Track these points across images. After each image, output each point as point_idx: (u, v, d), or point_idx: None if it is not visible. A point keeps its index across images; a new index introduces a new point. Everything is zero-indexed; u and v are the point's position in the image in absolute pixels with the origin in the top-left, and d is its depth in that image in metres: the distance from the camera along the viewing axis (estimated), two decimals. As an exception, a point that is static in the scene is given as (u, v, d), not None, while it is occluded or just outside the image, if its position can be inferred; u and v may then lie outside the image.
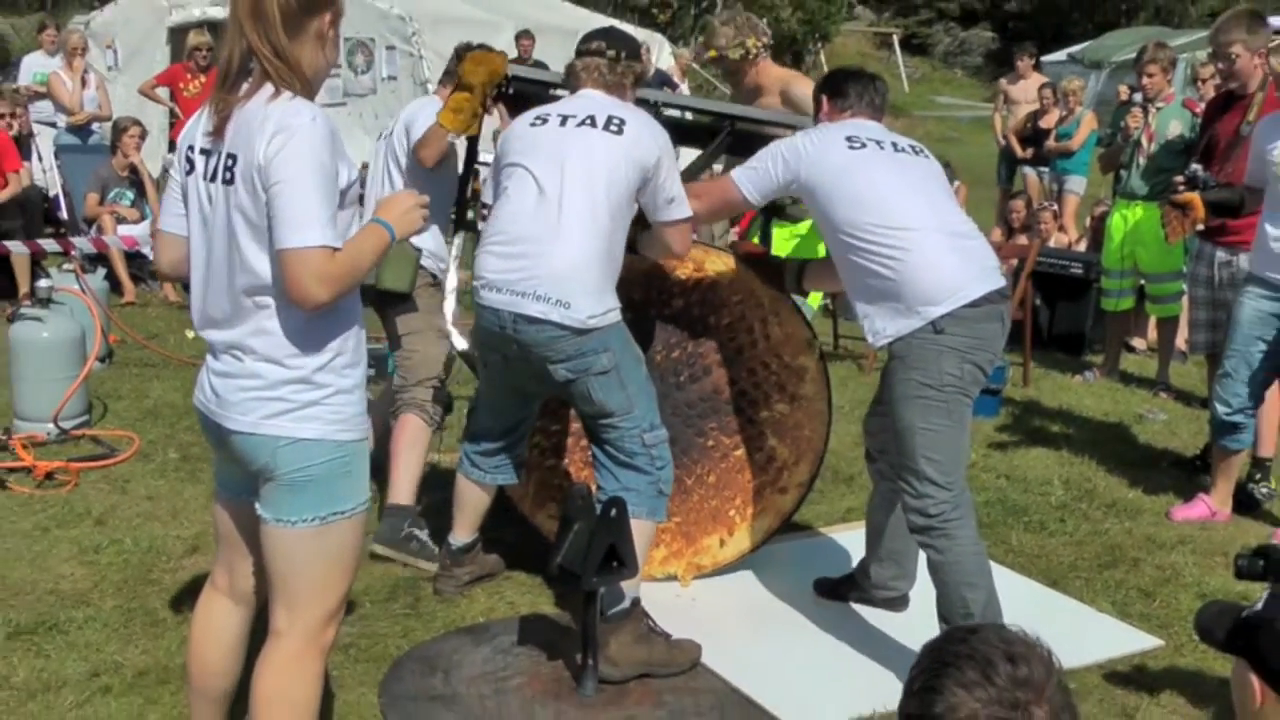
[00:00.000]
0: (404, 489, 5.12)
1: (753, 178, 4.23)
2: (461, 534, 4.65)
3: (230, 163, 2.87)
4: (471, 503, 4.60)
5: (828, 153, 4.11)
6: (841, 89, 4.38)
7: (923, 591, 4.75)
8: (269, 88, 2.87)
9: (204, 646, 3.32)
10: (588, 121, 4.14)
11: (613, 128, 4.12)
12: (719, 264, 4.77)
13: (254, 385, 2.92)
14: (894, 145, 4.19)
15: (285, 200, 2.78)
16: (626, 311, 4.64)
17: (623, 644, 4.05)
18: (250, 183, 2.82)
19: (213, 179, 2.92)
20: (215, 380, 2.99)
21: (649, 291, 4.80)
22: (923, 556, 4.22)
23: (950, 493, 3.96)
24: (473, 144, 5.24)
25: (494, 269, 4.11)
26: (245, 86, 2.89)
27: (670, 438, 4.49)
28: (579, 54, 4.38)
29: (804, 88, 5.78)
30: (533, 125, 4.24)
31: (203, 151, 2.95)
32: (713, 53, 5.77)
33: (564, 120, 4.18)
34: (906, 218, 3.97)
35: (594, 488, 4.23)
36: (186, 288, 3.14)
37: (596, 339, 4.03)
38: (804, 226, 6.02)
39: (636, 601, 4.14)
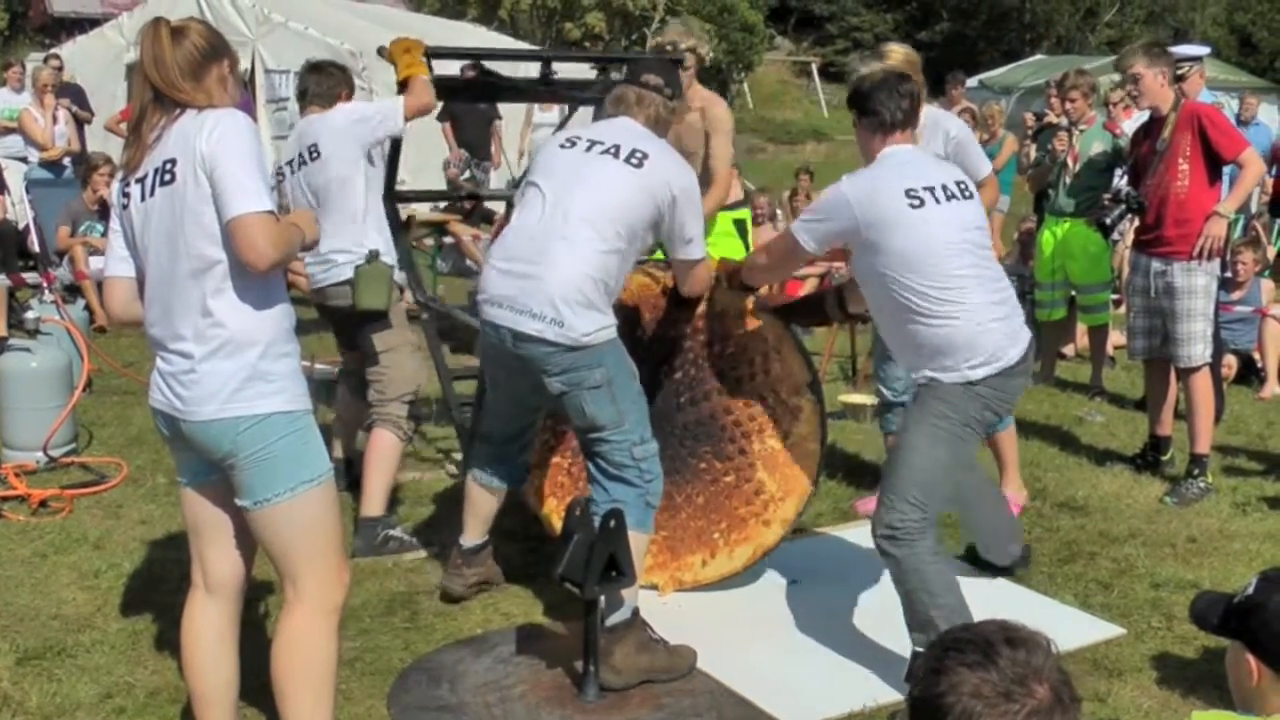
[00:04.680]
0: (375, 501, 5.34)
1: (813, 230, 4.20)
2: (472, 536, 4.79)
3: (170, 165, 3.16)
4: (480, 506, 4.75)
5: (888, 212, 4.03)
6: (872, 108, 4.23)
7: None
8: (192, 110, 3.20)
9: (189, 646, 3.51)
10: (611, 151, 4.25)
11: (634, 160, 4.23)
12: (727, 295, 4.91)
13: (203, 378, 3.18)
14: (945, 191, 4.09)
15: (232, 177, 3.09)
16: (636, 328, 4.84)
17: (626, 653, 4.17)
18: (194, 173, 3.12)
19: (151, 192, 3.20)
20: (170, 381, 3.24)
21: (659, 312, 4.96)
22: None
23: (921, 514, 4.04)
24: (396, 145, 5.61)
25: (495, 286, 4.24)
26: (163, 120, 3.22)
27: (664, 454, 4.62)
28: (638, 84, 4.46)
29: (721, 111, 6.01)
30: (561, 146, 4.38)
31: (137, 180, 3.23)
32: (691, 43, 5.86)
33: (590, 146, 4.30)
34: (959, 281, 4.01)
35: None
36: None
37: (591, 355, 4.14)
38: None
39: (636, 611, 4.25)
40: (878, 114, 4.21)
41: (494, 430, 4.68)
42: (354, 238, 5.27)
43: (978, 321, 4.01)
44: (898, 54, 5.35)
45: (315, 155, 5.33)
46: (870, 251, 4.08)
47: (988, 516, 4.94)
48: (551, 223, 4.18)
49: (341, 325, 5.59)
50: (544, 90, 6.23)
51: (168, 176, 3.16)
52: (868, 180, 4.15)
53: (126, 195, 3.28)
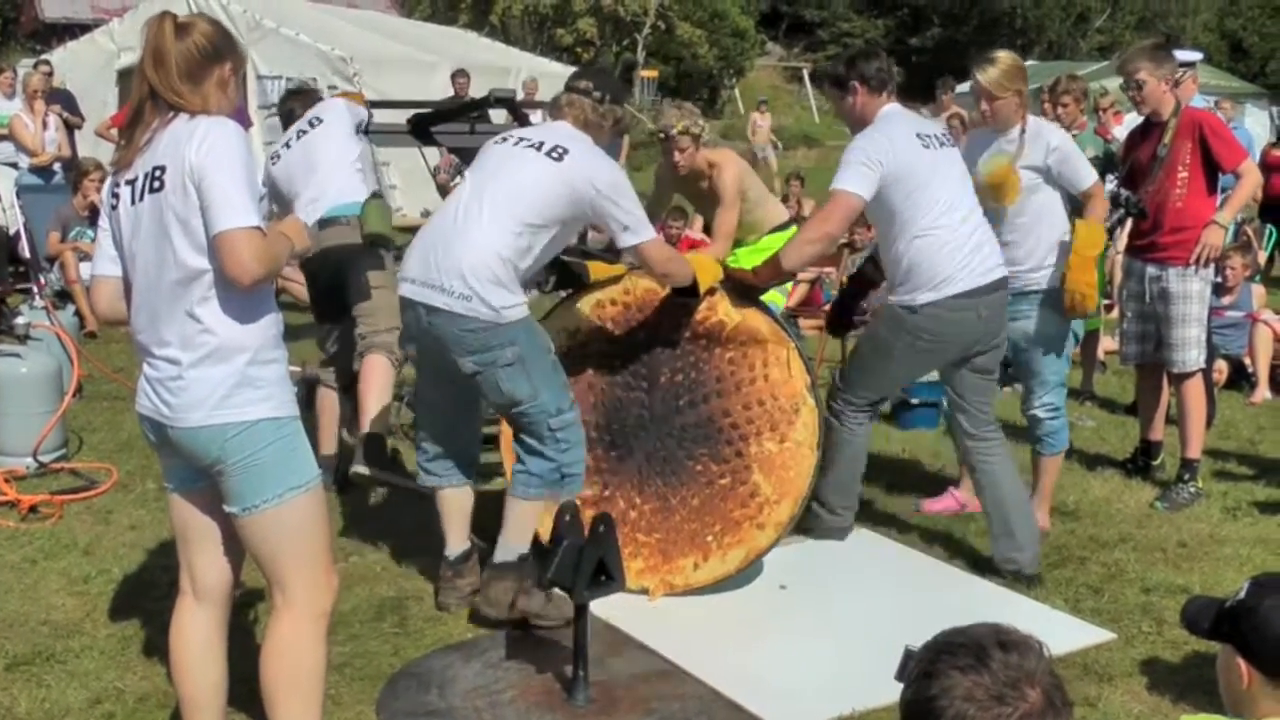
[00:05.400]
0: (377, 418, 5.55)
1: (858, 182, 4.80)
2: (455, 544, 4.82)
3: (159, 172, 3.13)
4: (454, 510, 4.82)
5: (907, 153, 4.84)
6: (871, 75, 4.98)
7: (902, 602, 4.93)
8: (185, 115, 3.17)
9: (177, 651, 3.51)
10: (535, 145, 4.49)
11: (554, 155, 4.45)
12: (728, 302, 4.99)
13: (190, 384, 3.17)
14: (938, 139, 4.99)
15: (219, 190, 3.06)
16: (640, 331, 4.97)
17: (505, 589, 4.41)
18: (181, 183, 3.09)
19: (140, 197, 3.17)
20: (157, 388, 3.22)
21: (662, 315, 5.03)
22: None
23: (859, 400, 5.22)
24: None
25: (412, 265, 4.47)
26: (156, 123, 3.19)
27: (661, 455, 4.79)
28: (568, 89, 4.69)
29: (729, 177, 5.94)
30: (495, 143, 4.66)
31: (128, 182, 3.21)
32: (685, 124, 5.85)
33: (518, 142, 4.56)
34: (945, 210, 4.84)
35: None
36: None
37: (502, 333, 4.32)
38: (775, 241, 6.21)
39: (525, 557, 4.48)
40: (876, 77, 4.99)
41: (428, 428, 4.83)
42: (356, 180, 5.56)
43: (940, 243, 4.83)
44: (1006, 59, 5.52)
45: (319, 123, 5.71)
46: (893, 188, 4.80)
47: (1010, 511, 5.10)
48: (468, 208, 4.40)
49: (335, 277, 5.80)
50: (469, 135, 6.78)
51: (156, 184, 3.14)
52: (883, 132, 4.91)
53: (116, 196, 3.27)
